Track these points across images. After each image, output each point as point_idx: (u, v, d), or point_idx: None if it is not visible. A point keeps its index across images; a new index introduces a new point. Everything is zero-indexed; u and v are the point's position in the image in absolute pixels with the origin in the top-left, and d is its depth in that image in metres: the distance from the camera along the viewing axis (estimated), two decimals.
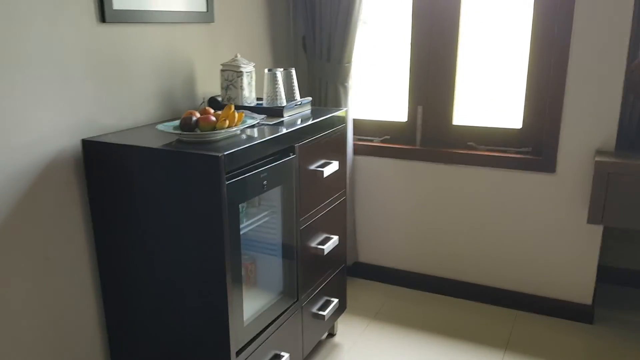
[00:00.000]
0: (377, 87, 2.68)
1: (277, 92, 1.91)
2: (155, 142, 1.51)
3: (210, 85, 2.06)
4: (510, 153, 2.32)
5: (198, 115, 1.57)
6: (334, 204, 2.02)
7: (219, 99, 1.98)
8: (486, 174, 2.34)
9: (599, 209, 2.00)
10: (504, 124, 2.36)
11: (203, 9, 1.95)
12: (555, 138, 2.17)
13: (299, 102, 1.96)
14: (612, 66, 2.02)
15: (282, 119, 1.83)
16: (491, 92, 2.42)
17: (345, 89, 2.45)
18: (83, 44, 1.54)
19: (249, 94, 1.95)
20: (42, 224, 1.50)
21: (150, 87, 1.79)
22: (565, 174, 2.19)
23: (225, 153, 1.38)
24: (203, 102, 1.61)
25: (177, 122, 1.59)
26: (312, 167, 1.83)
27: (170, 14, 1.81)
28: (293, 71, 1.98)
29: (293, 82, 1.98)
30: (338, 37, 2.36)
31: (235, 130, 1.54)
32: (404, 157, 2.49)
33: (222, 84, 1.93)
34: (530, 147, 2.30)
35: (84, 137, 1.58)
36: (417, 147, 2.47)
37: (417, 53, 2.41)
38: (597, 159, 1.97)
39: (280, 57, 2.50)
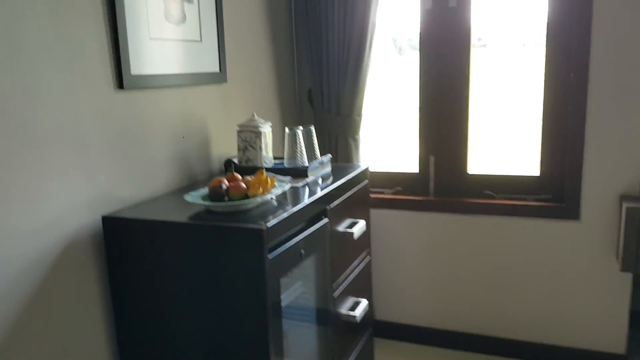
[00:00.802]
0: (385, 137, 2.63)
1: (298, 151, 1.82)
2: (182, 215, 1.39)
3: (224, 147, 1.96)
4: (530, 201, 2.27)
5: (227, 182, 1.46)
6: (360, 265, 1.92)
7: (236, 160, 1.88)
8: (506, 223, 2.28)
9: (632, 256, 1.94)
10: (521, 171, 2.32)
11: (216, 69, 1.88)
12: (577, 184, 2.14)
13: (322, 161, 1.87)
14: (633, 109, 2.02)
15: (307, 180, 1.74)
16: (505, 139, 2.40)
17: (356, 142, 2.39)
18: (100, 112, 1.43)
19: (267, 154, 1.86)
20: (59, 313, 1.34)
21: (166, 153, 1.68)
22: (590, 220, 2.15)
23: (269, 225, 1.27)
24: (230, 167, 1.51)
25: (204, 191, 1.48)
26: (342, 228, 1.73)
27: (185, 77, 1.73)
28: (312, 129, 1.90)
29: (313, 140, 1.90)
30: (347, 89, 2.30)
31: (268, 197, 1.44)
32: (417, 208, 2.42)
33: (239, 145, 1.84)
34: (551, 194, 2.26)
35: (104, 212, 1.44)
36: (431, 198, 2.41)
37: (426, 101, 2.37)
38: (627, 205, 1.93)
39: (288, 111, 2.43)
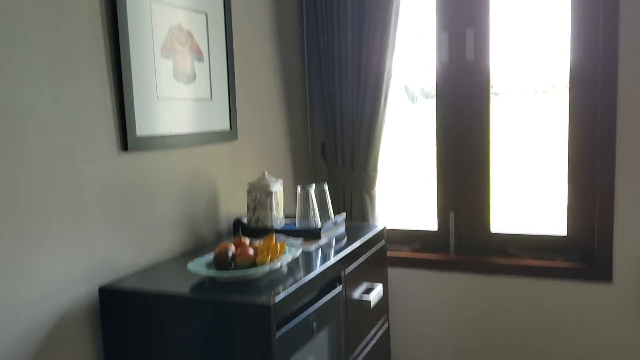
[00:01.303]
0: (402, 191, 2.53)
1: (311, 211, 1.73)
2: (184, 285, 1.29)
3: (234, 205, 1.89)
4: (558, 261, 2.13)
5: (233, 248, 1.37)
6: (378, 333, 1.79)
7: (245, 220, 1.80)
8: (533, 285, 2.14)
9: None
10: (547, 230, 2.20)
11: (227, 127, 1.82)
12: (608, 244, 2.00)
13: (335, 221, 1.78)
14: None
15: (319, 243, 1.64)
16: (529, 194, 2.28)
17: (372, 197, 2.29)
18: (102, 176, 1.37)
19: (277, 214, 1.77)
20: None
21: (172, 215, 1.60)
22: (624, 282, 2.00)
23: (276, 301, 1.17)
24: (238, 230, 1.43)
25: (209, 257, 1.39)
26: (358, 295, 1.62)
27: (194, 136, 1.67)
28: (326, 187, 1.82)
29: (326, 199, 1.81)
30: (362, 143, 2.23)
31: (277, 265, 1.34)
32: (438, 268, 2.29)
33: (248, 205, 1.76)
34: (579, 253, 2.12)
35: (101, 282, 1.36)
36: (451, 257, 2.28)
37: (444, 153, 2.28)
38: None
39: (300, 166, 2.36)
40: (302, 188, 1.74)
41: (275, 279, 1.31)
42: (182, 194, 1.64)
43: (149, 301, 1.27)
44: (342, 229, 1.82)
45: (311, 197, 1.73)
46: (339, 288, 1.47)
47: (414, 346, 2.34)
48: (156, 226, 1.54)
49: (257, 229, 1.73)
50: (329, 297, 1.41)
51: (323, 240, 1.66)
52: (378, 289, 1.70)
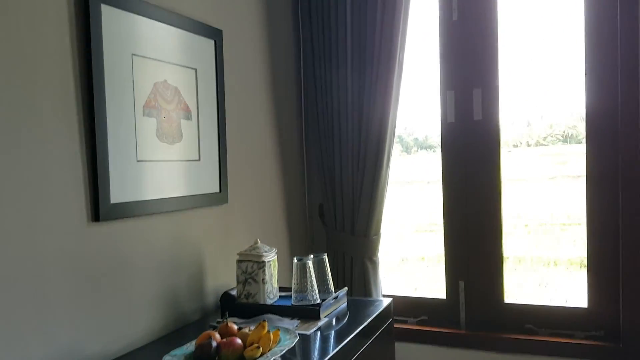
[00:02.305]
0: (406, 255, 2.35)
1: (308, 285, 1.54)
2: None
3: (222, 277, 1.69)
4: (580, 338, 1.93)
5: (218, 337, 1.17)
6: None
7: (233, 293, 1.60)
8: None
9: None
10: (566, 301, 2.00)
11: (216, 189, 1.65)
12: (636, 320, 1.81)
13: (336, 297, 1.58)
14: None
15: (319, 324, 1.44)
16: (544, 261, 2.11)
17: (374, 264, 2.10)
18: (67, 250, 1.18)
19: (271, 287, 1.58)
20: None
21: (150, 291, 1.40)
22: None
23: None
24: (225, 317, 1.23)
25: (189, 349, 1.19)
26: None
27: (178, 201, 1.49)
28: (325, 258, 1.64)
29: (326, 271, 1.63)
30: (363, 205, 2.06)
31: (268, 358, 1.13)
32: (447, 343, 2.07)
33: (238, 278, 1.56)
34: (602, 330, 1.92)
35: None
36: (462, 332, 2.07)
37: (452, 215, 2.10)
38: None
39: (296, 230, 2.18)
40: (298, 259, 1.55)
41: None
42: (163, 266, 1.45)
43: None
44: (343, 305, 1.62)
45: (309, 269, 1.55)
46: None
47: None
48: (131, 306, 1.34)
49: (248, 305, 1.54)
50: None
51: (323, 320, 1.47)
52: None
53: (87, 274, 1.22)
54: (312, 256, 1.58)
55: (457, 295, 2.11)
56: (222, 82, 1.67)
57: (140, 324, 1.36)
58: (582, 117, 1.90)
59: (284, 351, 1.15)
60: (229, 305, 1.56)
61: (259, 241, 1.60)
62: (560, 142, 2.12)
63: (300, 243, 2.18)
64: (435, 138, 2.28)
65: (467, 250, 2.08)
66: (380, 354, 1.54)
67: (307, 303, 1.52)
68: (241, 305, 1.54)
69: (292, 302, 1.54)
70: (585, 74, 1.87)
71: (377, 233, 2.09)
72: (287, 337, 1.23)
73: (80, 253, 1.20)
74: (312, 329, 1.40)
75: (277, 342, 1.20)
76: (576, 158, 1.97)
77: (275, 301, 1.59)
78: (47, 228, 1.13)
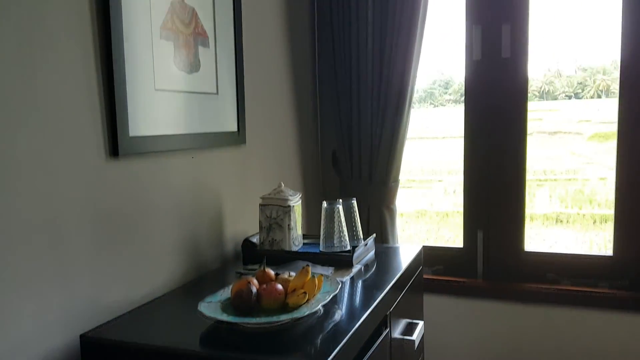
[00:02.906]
0: (421, 201, 2.26)
1: (336, 232, 1.43)
2: (191, 335, 0.98)
3: (240, 223, 1.57)
4: (603, 288, 1.88)
5: (256, 284, 1.06)
6: None
7: (254, 240, 1.49)
8: (574, 316, 1.88)
9: None
10: (591, 249, 1.94)
11: (234, 128, 1.51)
12: None
13: (366, 244, 1.48)
14: None
15: (352, 271, 1.34)
16: (568, 209, 2.04)
17: (392, 212, 2.01)
18: (85, 190, 1.04)
19: (296, 235, 1.47)
20: None
21: (171, 238, 1.28)
22: None
23: None
24: (262, 263, 1.11)
25: (223, 295, 1.08)
26: (399, 335, 1.32)
27: (197, 138, 1.35)
28: (354, 203, 1.52)
29: (355, 218, 1.52)
30: (382, 152, 1.94)
31: (315, 306, 1.03)
32: (463, 294, 2.01)
33: (261, 223, 1.45)
34: (628, 280, 1.88)
35: (83, 328, 1.03)
36: (479, 282, 2.01)
37: (473, 161, 2.01)
38: None
39: (309, 177, 2.05)
40: (328, 204, 1.44)
41: (311, 328, 1.00)
42: (183, 209, 1.32)
43: (145, 356, 0.95)
44: (372, 253, 1.52)
45: (338, 214, 1.44)
46: (385, 332, 1.17)
47: None
48: (151, 253, 1.21)
49: (272, 253, 1.42)
50: (376, 347, 1.11)
51: (355, 267, 1.37)
52: (420, 325, 1.41)
53: (106, 217, 1.09)
54: (341, 201, 1.46)
55: (474, 245, 2.04)
56: (240, 7, 1.50)
57: (161, 272, 1.24)
58: (616, 66, 1.79)
59: (330, 297, 1.05)
60: (251, 253, 1.45)
61: (283, 185, 1.48)
62: (590, 94, 2.02)
63: (314, 191, 2.07)
64: (458, 79, 2.15)
65: (488, 199, 2.00)
66: (412, 303, 1.46)
67: (338, 250, 1.42)
68: (265, 253, 1.43)
69: (321, 249, 1.44)
70: (622, 18, 1.76)
71: (396, 179, 1.99)
72: (329, 283, 1.13)
73: (98, 193, 1.07)
74: (346, 276, 1.30)
75: (321, 289, 1.09)
76: (610, 104, 1.87)
77: (300, 248, 1.49)
78: (63, 166, 0.99)
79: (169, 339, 0.98)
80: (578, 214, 2.13)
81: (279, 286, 1.05)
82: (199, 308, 1.00)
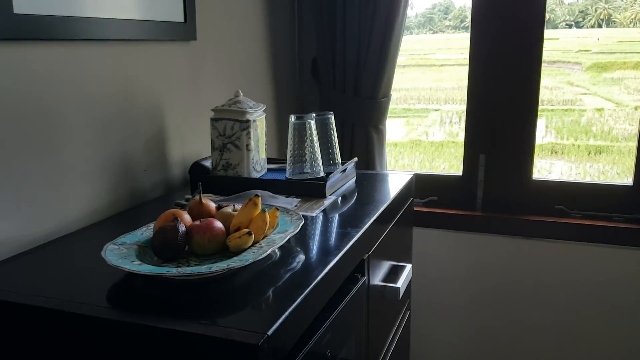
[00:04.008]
0: (413, 122, 1.97)
1: (308, 154, 1.15)
2: (99, 291, 0.71)
3: (190, 142, 1.28)
4: (619, 222, 1.64)
5: (188, 220, 0.79)
6: (400, 328, 1.26)
7: (207, 164, 1.20)
8: (585, 252, 1.65)
9: None
10: (606, 178, 1.68)
11: (180, 18, 1.17)
12: None
13: (344, 169, 1.20)
14: None
15: (324, 203, 1.06)
16: (564, 140, 1.76)
17: (380, 134, 1.72)
18: None
19: (257, 157, 1.18)
20: None
21: (91, 156, 0.99)
22: None
23: (271, 332, 0.60)
24: (197, 191, 0.83)
25: (145, 234, 0.80)
26: (380, 282, 1.07)
27: (126, 26, 1.02)
28: (331, 118, 1.23)
29: (331, 136, 1.23)
30: (371, 60, 1.62)
31: (265, 250, 0.76)
32: (460, 227, 1.76)
33: (214, 142, 1.16)
34: None
35: None
36: (478, 214, 1.76)
37: (479, 87, 1.70)
38: None
39: (282, 89, 1.74)
40: (297, 118, 1.14)
41: (259, 278, 0.74)
42: (108, 122, 1.02)
43: (36, 319, 0.69)
44: (351, 181, 1.25)
45: (310, 132, 1.14)
46: (362, 281, 0.91)
47: (431, 327, 1.84)
48: (60, 175, 0.93)
49: (227, 179, 1.15)
50: (349, 299, 0.85)
51: (329, 199, 1.09)
52: (407, 270, 1.16)
53: None
54: (314, 115, 1.16)
55: (475, 171, 1.76)
56: None
57: (76, 199, 0.96)
58: None
59: (286, 239, 0.78)
60: (201, 179, 1.17)
61: (241, 93, 1.17)
62: (591, 23, 1.71)
63: (288, 105, 1.76)
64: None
65: (493, 124, 1.70)
66: (399, 242, 1.20)
67: (308, 177, 1.14)
68: (218, 179, 1.15)
69: (287, 176, 1.16)
70: None
71: (387, 95, 1.68)
72: (287, 219, 0.86)
73: None
74: (316, 209, 1.02)
75: (275, 226, 0.82)
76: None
77: (263, 175, 1.21)
78: None
79: (62, 295, 0.71)
80: (573, 144, 1.93)
81: (218, 223, 0.77)
82: (103, 253, 0.73)
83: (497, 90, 1.68)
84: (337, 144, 1.23)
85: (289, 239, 0.79)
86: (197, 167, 1.19)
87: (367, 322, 0.96)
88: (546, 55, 1.62)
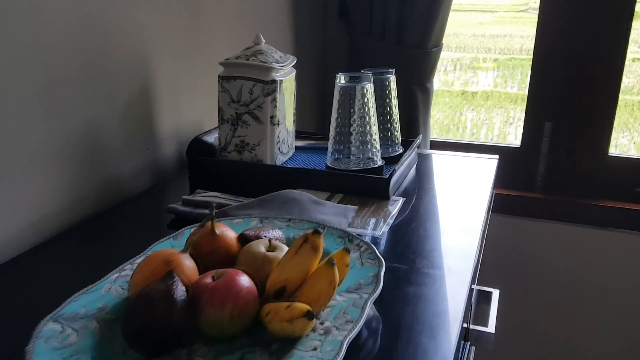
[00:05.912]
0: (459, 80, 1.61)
1: (360, 132, 0.79)
2: None
3: (187, 111, 0.91)
4: None
5: (190, 268, 0.44)
6: None
7: (211, 140, 0.85)
8: None
9: None
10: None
11: None
12: None
13: (409, 157, 0.85)
14: None
15: (388, 210, 0.72)
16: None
17: (426, 93, 1.36)
18: None
19: (285, 134, 0.83)
20: None
21: (35, 131, 0.63)
22: None
23: None
24: (210, 215, 0.48)
25: (111, 294, 0.46)
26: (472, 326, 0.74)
27: None
28: (392, 76, 0.86)
29: (390, 104, 0.86)
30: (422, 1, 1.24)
31: (328, 338, 0.42)
32: (514, 212, 1.45)
33: (223, 111, 0.79)
34: None
35: None
36: (538, 196, 1.43)
37: (549, 40, 1.33)
38: None
39: (305, 35, 1.36)
40: (347, 78, 0.77)
41: None
42: (66, 78, 0.65)
43: None
44: (413, 169, 0.90)
45: (365, 99, 0.78)
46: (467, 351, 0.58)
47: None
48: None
49: (240, 166, 0.79)
50: None
51: (393, 202, 0.74)
52: (495, 297, 0.83)
53: None
54: (371, 74, 0.79)
55: (538, 141, 1.42)
56: None
57: (12, 205, 0.61)
58: None
59: (363, 320, 0.44)
60: (203, 164, 0.82)
61: (263, 40, 0.80)
62: None
63: (310, 55, 1.39)
64: None
65: (564, 87, 1.35)
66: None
67: (357, 164, 0.79)
68: (227, 165, 0.80)
69: (328, 163, 0.81)
70: None
71: (439, 44, 1.31)
72: (354, 256, 0.51)
73: None
74: (380, 224, 0.68)
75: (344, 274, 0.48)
76: None
77: (289, 159, 0.86)
78: None
79: None
80: None
81: (245, 280, 0.43)
82: (29, 347, 0.38)
83: (572, 42, 1.31)
84: (397, 116, 0.87)
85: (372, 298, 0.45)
86: (197, 145, 0.83)
87: None
88: None
